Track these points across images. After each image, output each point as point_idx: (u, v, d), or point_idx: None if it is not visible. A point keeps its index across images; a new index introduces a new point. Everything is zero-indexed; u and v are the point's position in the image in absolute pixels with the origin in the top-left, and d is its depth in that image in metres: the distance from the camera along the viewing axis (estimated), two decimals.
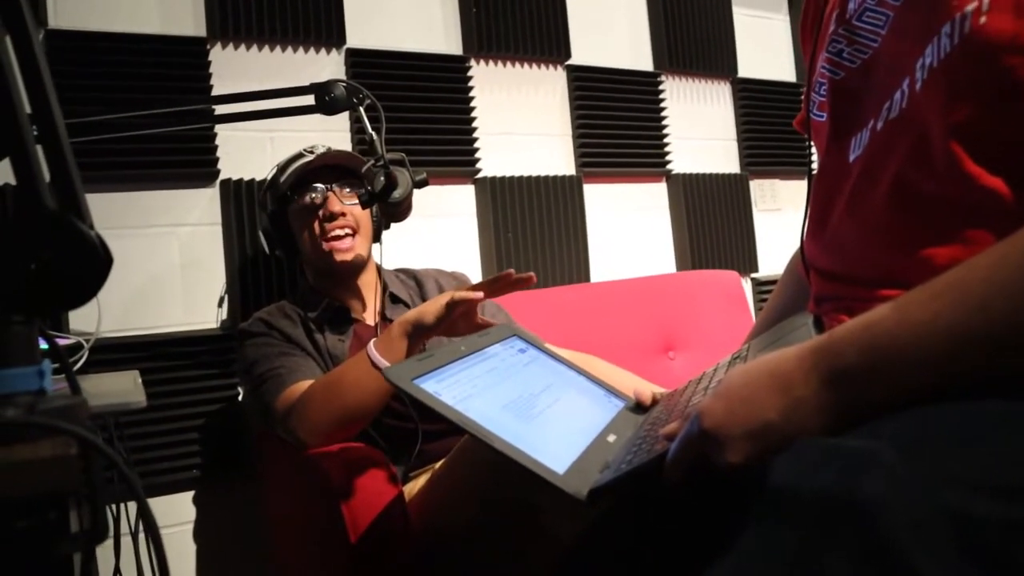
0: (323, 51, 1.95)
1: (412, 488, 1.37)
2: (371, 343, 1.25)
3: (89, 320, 1.55)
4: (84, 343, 1.32)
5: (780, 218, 2.70)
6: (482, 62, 2.18)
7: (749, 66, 2.69)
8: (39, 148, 0.58)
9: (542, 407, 0.88)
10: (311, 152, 1.57)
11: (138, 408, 0.80)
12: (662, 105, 2.46)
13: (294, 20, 1.89)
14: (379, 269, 1.65)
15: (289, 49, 1.92)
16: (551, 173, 2.24)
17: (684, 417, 0.66)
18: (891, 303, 0.57)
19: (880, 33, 0.75)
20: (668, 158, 2.46)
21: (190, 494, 1.74)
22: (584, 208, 2.28)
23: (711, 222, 2.50)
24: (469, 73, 2.13)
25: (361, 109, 1.36)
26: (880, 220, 0.71)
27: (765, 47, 2.78)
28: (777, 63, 2.80)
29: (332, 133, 1.92)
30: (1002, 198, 0.61)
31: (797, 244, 0.92)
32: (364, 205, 1.35)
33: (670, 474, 0.64)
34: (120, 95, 1.67)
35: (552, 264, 2.20)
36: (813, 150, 0.93)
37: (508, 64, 2.23)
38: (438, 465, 1.31)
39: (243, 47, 1.86)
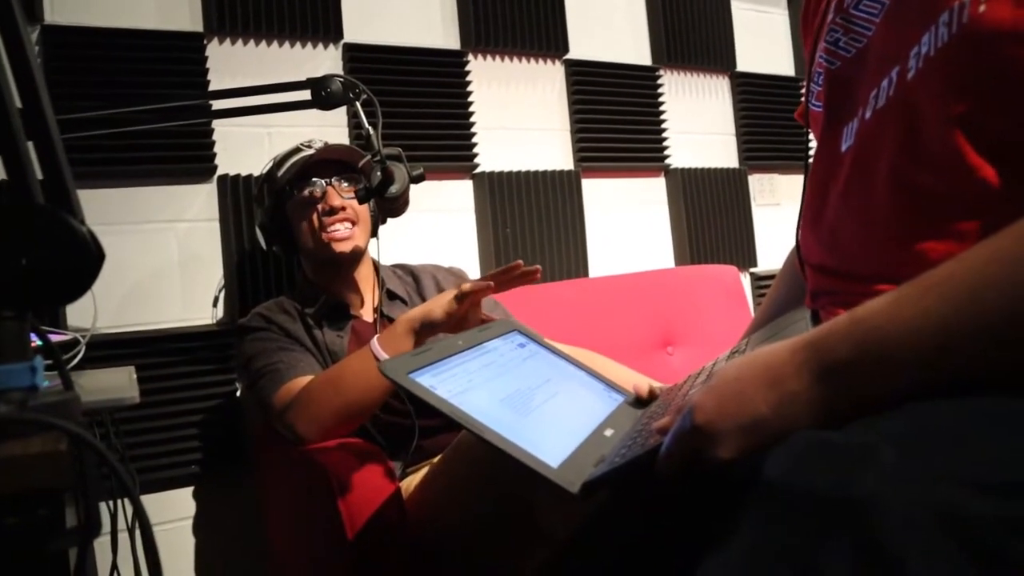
0: (320, 46, 1.95)
1: (409, 484, 1.37)
2: (374, 339, 1.25)
3: (86, 316, 1.54)
4: (81, 339, 1.32)
5: (779, 212, 2.70)
6: (480, 57, 2.18)
7: (748, 60, 2.68)
8: (30, 144, 0.57)
9: (539, 401, 0.88)
10: (308, 146, 1.57)
11: (132, 404, 0.79)
12: (661, 100, 2.45)
13: (291, 15, 1.88)
14: (376, 265, 1.65)
15: (286, 44, 1.91)
16: (549, 168, 2.23)
17: (677, 411, 0.66)
18: (883, 297, 0.56)
19: (875, 22, 0.74)
20: (667, 153, 2.45)
21: (188, 490, 1.74)
22: (582, 203, 2.28)
23: (710, 217, 2.50)
24: (467, 68, 2.12)
25: (358, 104, 1.36)
26: (875, 213, 0.70)
27: (764, 41, 2.77)
28: (776, 57, 2.80)
29: (329, 128, 1.91)
30: (999, 190, 0.60)
31: (795, 238, 0.92)
32: (361, 200, 1.35)
33: (663, 469, 0.64)
34: (117, 91, 1.66)
35: (550, 259, 2.20)
36: (811, 144, 0.92)
37: (506, 59, 2.23)
38: (435, 460, 1.31)
39: (240, 42, 1.86)
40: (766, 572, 0.49)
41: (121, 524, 1.36)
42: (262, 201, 1.62)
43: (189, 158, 1.76)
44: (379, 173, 1.30)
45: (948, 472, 0.47)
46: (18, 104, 0.57)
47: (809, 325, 0.82)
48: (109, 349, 1.62)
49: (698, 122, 2.57)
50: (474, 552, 1.15)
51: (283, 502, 1.56)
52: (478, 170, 2.13)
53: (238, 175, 1.80)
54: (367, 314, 1.58)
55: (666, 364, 2.05)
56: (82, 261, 0.55)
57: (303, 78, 1.36)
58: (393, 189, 1.32)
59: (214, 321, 1.79)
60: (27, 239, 0.53)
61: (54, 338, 1.17)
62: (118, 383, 0.96)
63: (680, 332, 2.11)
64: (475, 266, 2.13)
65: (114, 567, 1.38)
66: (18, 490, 0.50)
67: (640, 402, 1.00)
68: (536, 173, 2.20)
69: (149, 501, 1.67)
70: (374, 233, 1.65)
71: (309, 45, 1.94)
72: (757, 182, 2.67)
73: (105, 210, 1.68)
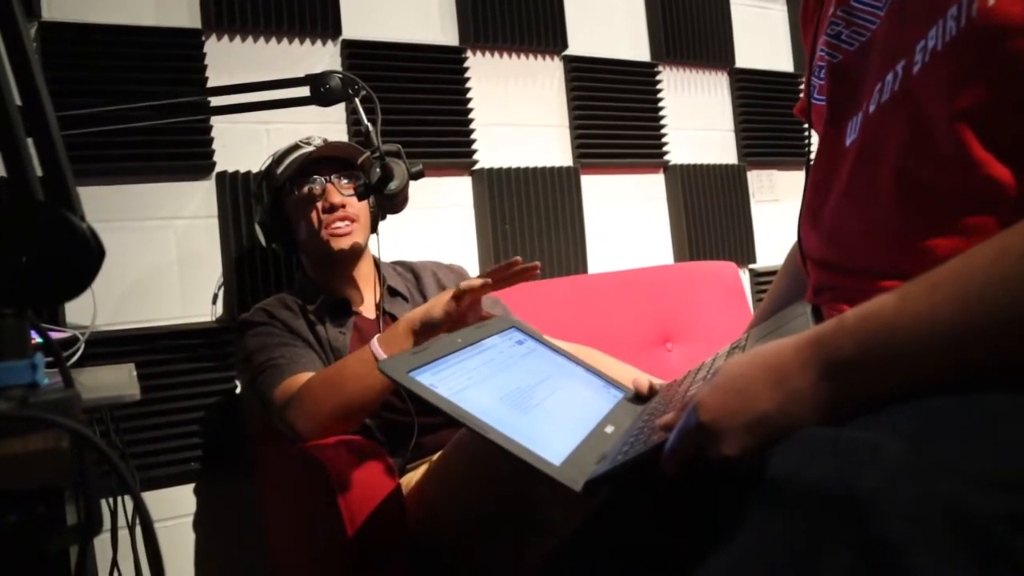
0: (319, 42, 1.95)
1: (409, 481, 1.37)
2: (375, 339, 1.24)
3: (85, 313, 1.54)
4: (80, 336, 1.32)
5: (778, 209, 2.70)
6: (478, 53, 2.17)
7: (747, 56, 2.68)
8: (30, 140, 0.57)
9: (539, 398, 0.88)
10: (307, 143, 1.56)
11: (132, 401, 0.79)
12: (659, 96, 2.45)
13: (289, 11, 1.88)
14: (377, 262, 1.65)
15: (284, 40, 1.91)
16: (548, 164, 2.23)
17: (681, 408, 0.66)
18: (889, 294, 0.56)
19: (879, 15, 0.74)
20: (665, 149, 2.45)
21: (188, 487, 1.74)
22: (581, 199, 2.28)
23: (709, 213, 2.50)
24: (465, 64, 2.12)
25: (357, 100, 1.35)
26: (878, 208, 0.70)
27: (763, 37, 2.77)
28: (775, 53, 2.79)
29: (328, 125, 1.91)
30: (1007, 186, 0.60)
31: (795, 235, 0.92)
32: (360, 197, 1.34)
33: (667, 466, 0.64)
34: (115, 87, 1.66)
35: (549, 255, 2.20)
36: (810, 137, 0.92)
37: (505, 55, 2.22)
38: (435, 458, 1.31)
39: (238, 39, 1.85)
40: (770, 569, 0.49)
41: (121, 521, 1.36)
42: (261, 198, 1.61)
43: (187, 155, 1.76)
44: (379, 170, 1.30)
45: (952, 468, 0.47)
46: (17, 101, 0.57)
47: (809, 319, 0.82)
48: (108, 346, 1.62)
49: (697, 118, 2.57)
50: (474, 549, 1.15)
51: (283, 500, 1.56)
52: (477, 167, 2.13)
53: (237, 172, 1.80)
54: (368, 311, 1.58)
55: (665, 360, 2.05)
56: (83, 258, 0.55)
57: (301, 74, 1.36)
58: (393, 186, 1.31)
59: (213, 318, 1.78)
60: (27, 236, 0.53)
61: (53, 335, 1.16)
62: (118, 380, 0.96)
63: (679, 328, 2.11)
64: (474, 263, 2.13)
65: (114, 564, 1.38)
66: (19, 487, 0.50)
67: (640, 398, 1.00)
68: (535, 169, 2.19)
69: (148, 498, 1.67)
70: (374, 230, 1.65)
71: (307, 41, 1.93)
72: (756, 178, 2.67)
73: (103, 207, 1.68)
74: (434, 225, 2.08)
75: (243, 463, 1.74)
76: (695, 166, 2.50)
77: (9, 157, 0.54)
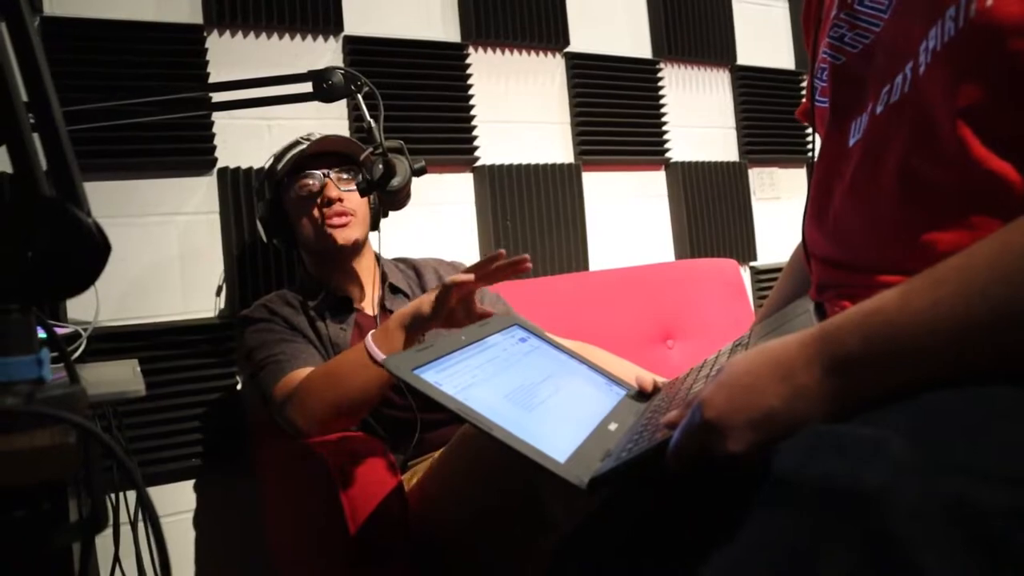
0: (321, 38, 1.94)
1: (411, 477, 1.37)
2: (369, 335, 1.25)
3: (87, 309, 1.54)
4: (82, 332, 1.31)
5: (779, 206, 2.70)
6: (480, 50, 2.17)
7: (748, 54, 2.68)
8: (36, 136, 0.57)
9: (543, 396, 0.88)
10: (307, 140, 1.57)
11: (137, 397, 0.79)
12: (661, 93, 2.45)
13: (291, 7, 1.88)
14: (378, 258, 1.65)
15: (287, 36, 1.91)
16: (550, 161, 2.23)
17: (685, 405, 0.66)
18: (893, 290, 0.56)
19: (882, 17, 0.74)
20: (667, 146, 2.45)
21: (190, 483, 1.74)
22: (583, 196, 2.28)
23: (710, 210, 2.50)
24: (467, 61, 2.12)
25: (359, 96, 1.35)
26: (882, 206, 0.70)
27: (764, 35, 2.77)
28: (776, 51, 2.79)
29: (330, 121, 1.91)
30: (1009, 183, 0.60)
31: (796, 232, 0.92)
32: (362, 193, 1.35)
33: (672, 463, 0.64)
34: (117, 83, 1.66)
35: (551, 252, 2.20)
36: (813, 138, 0.92)
37: (506, 52, 2.22)
38: (437, 454, 1.31)
39: (240, 34, 1.85)
40: (775, 565, 0.49)
41: (123, 517, 1.36)
42: (263, 195, 1.61)
43: (189, 151, 1.76)
44: (381, 166, 1.30)
45: (959, 464, 0.47)
46: (23, 97, 0.57)
47: (812, 316, 0.82)
48: (110, 342, 1.62)
49: (698, 116, 2.57)
50: (477, 545, 1.16)
51: (285, 496, 1.56)
52: (478, 163, 2.12)
53: (238, 168, 1.80)
54: (370, 307, 1.58)
55: (666, 358, 2.05)
56: (89, 253, 0.55)
57: (303, 70, 1.36)
58: (395, 182, 1.32)
59: (215, 314, 1.78)
60: (34, 232, 0.53)
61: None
62: (123, 376, 0.96)
63: (680, 326, 2.11)
64: (475, 260, 2.12)
65: (116, 560, 1.38)
66: (26, 483, 0.50)
67: (643, 396, 1.00)
68: (536, 166, 2.19)
69: (150, 494, 1.67)
70: (375, 226, 1.65)
71: (309, 37, 1.93)
72: (757, 176, 2.67)
73: (105, 203, 1.67)
74: (435, 222, 2.08)
75: (244, 459, 1.74)
76: (696, 163, 2.50)
77: (16, 153, 0.54)
